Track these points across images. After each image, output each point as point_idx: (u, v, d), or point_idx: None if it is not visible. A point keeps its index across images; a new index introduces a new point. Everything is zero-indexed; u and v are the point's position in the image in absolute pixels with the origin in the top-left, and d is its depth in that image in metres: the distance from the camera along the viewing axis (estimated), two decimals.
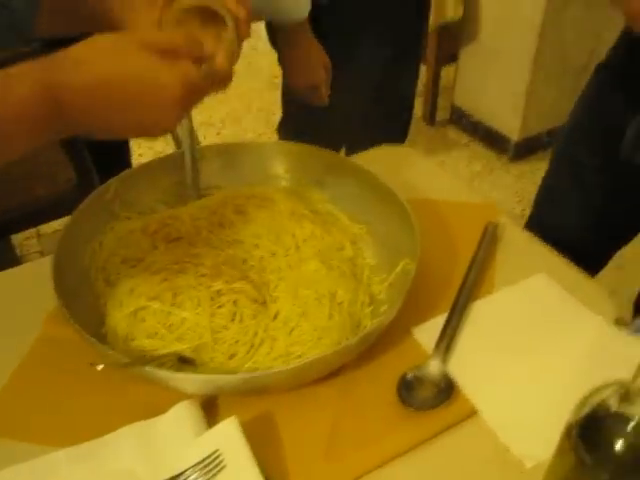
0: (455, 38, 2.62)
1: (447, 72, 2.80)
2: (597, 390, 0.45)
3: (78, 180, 1.42)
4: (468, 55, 2.62)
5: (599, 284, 0.85)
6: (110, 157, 1.70)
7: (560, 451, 0.48)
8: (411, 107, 1.63)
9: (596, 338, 0.74)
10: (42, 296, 0.78)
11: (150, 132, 0.62)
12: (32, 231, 2.26)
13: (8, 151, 0.55)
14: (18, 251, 2.01)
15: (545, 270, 0.85)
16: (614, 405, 0.43)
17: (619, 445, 0.42)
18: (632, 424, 0.42)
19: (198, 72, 0.60)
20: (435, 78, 2.72)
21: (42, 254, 2.20)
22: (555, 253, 0.89)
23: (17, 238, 2.07)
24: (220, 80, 0.65)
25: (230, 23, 0.67)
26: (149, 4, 0.70)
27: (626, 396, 0.42)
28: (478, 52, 2.56)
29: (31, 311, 0.79)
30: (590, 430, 0.44)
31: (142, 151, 2.65)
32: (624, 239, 1.10)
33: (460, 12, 2.59)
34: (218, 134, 2.78)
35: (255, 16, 0.70)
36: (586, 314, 0.78)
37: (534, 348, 0.75)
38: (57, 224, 2.05)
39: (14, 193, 1.43)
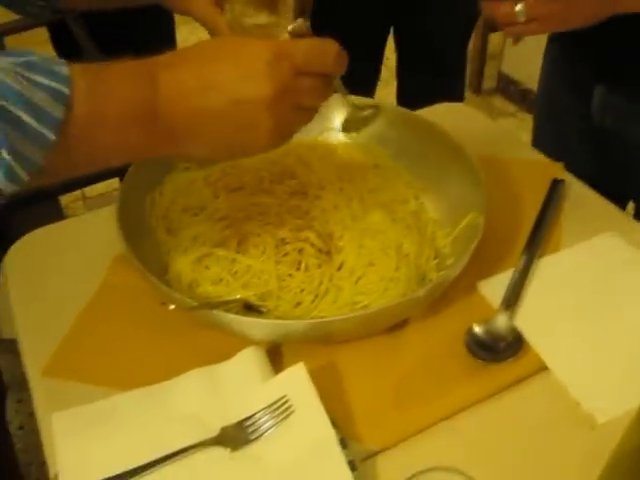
0: None
1: (494, 38, 2.74)
2: None
3: None
4: None
5: None
6: None
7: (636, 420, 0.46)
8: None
9: None
10: (104, 244, 0.79)
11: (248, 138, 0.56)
12: (78, 194, 2.29)
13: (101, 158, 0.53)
14: (65, 212, 2.03)
15: (612, 228, 0.82)
16: None
17: None
18: None
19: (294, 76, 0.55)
20: (483, 45, 2.66)
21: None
22: (622, 212, 0.86)
23: (64, 200, 2.10)
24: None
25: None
26: None
27: None
28: None
29: (94, 259, 0.80)
30: None
31: None
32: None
33: None
34: None
35: None
36: None
37: (603, 306, 0.73)
38: (102, 187, 2.08)
39: None
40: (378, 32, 1.61)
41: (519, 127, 2.58)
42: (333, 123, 0.87)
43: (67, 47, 1.61)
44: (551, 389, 0.66)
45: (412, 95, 1.68)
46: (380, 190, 0.80)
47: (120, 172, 1.65)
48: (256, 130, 0.54)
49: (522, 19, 0.72)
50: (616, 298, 0.73)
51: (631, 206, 1.07)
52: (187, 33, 2.27)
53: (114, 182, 1.74)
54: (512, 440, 0.62)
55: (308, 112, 0.58)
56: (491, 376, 0.66)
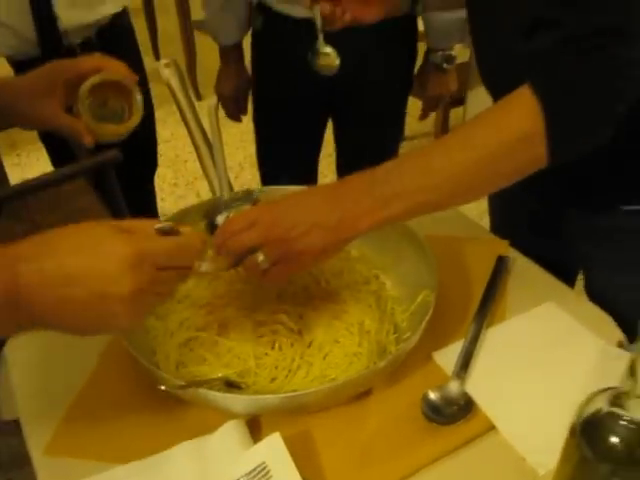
0: (462, 81, 2.73)
1: (456, 113, 2.92)
2: (595, 395, 0.53)
3: None
4: (475, 98, 2.74)
5: (603, 311, 0.93)
6: (138, 202, 1.82)
7: (566, 450, 0.56)
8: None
9: (600, 359, 0.82)
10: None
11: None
12: None
13: None
14: None
15: (554, 299, 0.92)
16: (609, 407, 0.51)
17: (615, 441, 0.50)
18: (624, 422, 0.50)
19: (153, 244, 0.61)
20: (445, 119, 2.84)
21: None
22: (562, 284, 0.97)
23: None
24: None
25: (133, 87, 0.83)
26: (49, 95, 0.81)
27: (619, 399, 0.50)
28: (484, 95, 2.67)
29: (90, 343, 0.88)
30: (590, 429, 0.52)
31: (163, 195, 2.77)
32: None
33: (467, 55, 2.72)
34: (236, 177, 2.89)
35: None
36: (591, 338, 0.86)
37: (544, 369, 0.82)
38: None
39: None
40: (316, 120, 1.73)
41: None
42: None
43: (56, 143, 1.71)
44: (499, 446, 0.74)
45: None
46: (344, 272, 0.90)
47: None
48: (117, 318, 0.59)
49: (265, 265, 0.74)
50: (555, 362, 0.83)
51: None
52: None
53: None
54: None
55: (166, 294, 0.64)
56: (445, 437, 0.74)
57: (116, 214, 1.56)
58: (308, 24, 1.39)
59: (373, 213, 0.73)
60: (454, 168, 0.72)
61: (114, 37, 1.63)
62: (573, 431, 0.53)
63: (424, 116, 1.86)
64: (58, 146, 1.71)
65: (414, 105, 2.79)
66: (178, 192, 2.83)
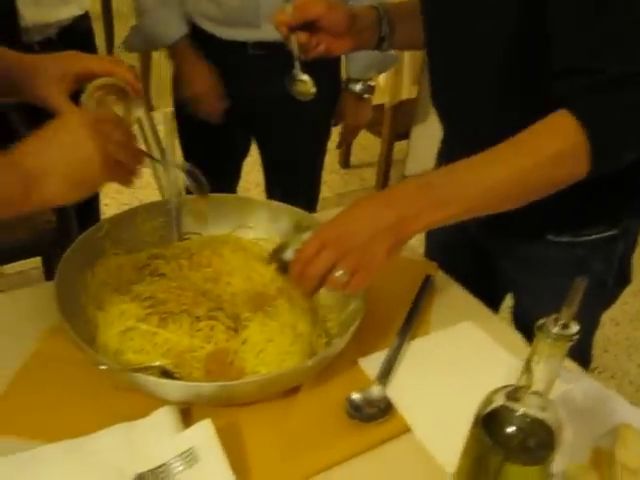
0: (408, 116, 2.85)
1: (400, 146, 3.03)
2: (496, 391, 0.60)
3: (58, 223, 1.53)
4: (419, 132, 2.85)
5: (514, 330, 1.01)
6: (83, 205, 1.83)
7: (468, 440, 0.62)
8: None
9: (509, 372, 0.89)
10: (31, 318, 0.90)
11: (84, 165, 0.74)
12: None
13: None
14: None
15: (472, 318, 1.00)
16: (507, 402, 0.58)
17: (509, 430, 0.57)
18: (517, 414, 0.57)
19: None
20: (389, 151, 2.94)
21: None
22: (483, 305, 1.05)
23: None
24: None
25: (132, 94, 0.91)
26: (60, 80, 0.90)
27: (516, 395, 0.57)
28: (428, 130, 2.79)
29: (25, 330, 0.91)
30: (489, 421, 0.59)
31: (107, 201, 2.77)
32: None
33: (414, 93, 2.84)
34: None
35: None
36: (504, 354, 0.93)
37: (458, 379, 0.89)
38: (19, 265, 2.15)
39: None
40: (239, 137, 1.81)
41: None
42: (243, 222, 1.04)
43: (6, 140, 1.71)
44: (413, 446, 0.80)
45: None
46: (279, 279, 0.95)
47: (39, 252, 1.74)
48: (90, 165, 0.73)
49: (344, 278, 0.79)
50: (468, 374, 0.89)
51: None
52: None
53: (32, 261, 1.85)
54: None
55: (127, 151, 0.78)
56: (365, 435, 0.80)
57: (59, 212, 1.57)
58: (237, 45, 1.40)
59: (431, 212, 0.79)
60: (504, 176, 0.79)
61: (74, 39, 1.65)
62: (475, 422, 0.60)
63: (341, 144, 1.91)
64: (7, 143, 1.71)
65: (360, 138, 2.90)
66: (122, 199, 2.83)
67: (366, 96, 1.71)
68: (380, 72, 1.89)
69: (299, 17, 0.96)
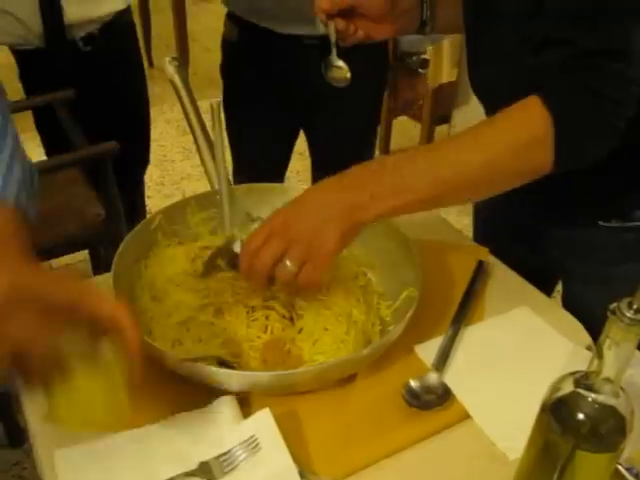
0: (449, 100, 2.82)
1: (440, 131, 2.99)
2: (563, 378, 0.59)
3: (107, 215, 1.55)
4: (460, 116, 2.82)
5: (574, 318, 0.99)
6: (128, 197, 1.86)
7: (535, 428, 0.61)
8: None
9: (568, 359, 0.88)
10: None
11: None
12: (45, 264, 2.39)
13: None
14: None
15: (527, 303, 0.99)
16: (576, 388, 0.57)
17: (580, 417, 0.56)
18: (588, 401, 0.56)
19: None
20: (429, 136, 2.91)
21: None
22: (537, 290, 1.03)
23: None
24: None
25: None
26: None
27: (586, 381, 0.56)
28: (469, 114, 2.75)
29: None
30: (558, 408, 0.58)
31: (150, 193, 2.80)
32: None
33: (454, 75, 2.80)
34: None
35: None
36: (561, 340, 0.92)
37: (516, 365, 0.88)
38: (67, 258, 2.19)
39: (45, 226, 1.56)
40: (290, 124, 1.78)
41: (461, 212, 2.79)
42: None
43: (52, 132, 1.75)
44: (473, 433, 0.80)
45: None
46: (334, 268, 0.95)
47: (88, 245, 1.77)
48: None
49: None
50: (526, 360, 0.89)
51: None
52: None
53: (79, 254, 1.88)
54: (441, 474, 0.76)
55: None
56: (423, 422, 0.80)
57: (109, 206, 1.60)
58: (293, 39, 1.46)
59: (384, 199, 0.75)
60: (462, 166, 0.76)
61: (117, 34, 1.67)
62: (543, 409, 0.59)
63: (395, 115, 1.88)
64: (53, 135, 1.74)
65: (398, 123, 2.88)
66: (164, 191, 2.86)
67: (421, 70, 1.70)
68: (432, 43, 1.87)
69: (337, 3, 0.95)
